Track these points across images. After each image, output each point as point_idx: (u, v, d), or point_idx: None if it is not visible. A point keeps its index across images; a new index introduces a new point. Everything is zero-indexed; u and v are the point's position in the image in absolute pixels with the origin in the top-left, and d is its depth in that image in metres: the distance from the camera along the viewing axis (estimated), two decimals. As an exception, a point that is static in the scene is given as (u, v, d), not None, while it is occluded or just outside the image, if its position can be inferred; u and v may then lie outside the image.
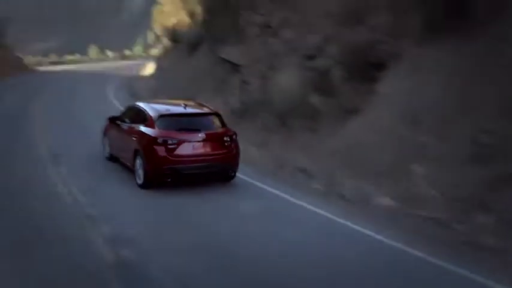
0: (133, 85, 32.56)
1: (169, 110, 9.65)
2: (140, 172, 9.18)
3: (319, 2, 15.60)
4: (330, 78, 13.08)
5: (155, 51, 46.89)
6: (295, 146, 12.21)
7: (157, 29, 40.16)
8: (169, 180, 9.01)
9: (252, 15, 17.54)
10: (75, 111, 20.46)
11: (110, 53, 60.65)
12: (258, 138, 13.95)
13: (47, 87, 28.49)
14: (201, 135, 9.16)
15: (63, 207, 8.11)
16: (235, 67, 17.33)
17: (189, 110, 9.84)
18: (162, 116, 9.31)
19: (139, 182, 9.22)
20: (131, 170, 9.64)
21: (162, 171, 8.89)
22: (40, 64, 47.37)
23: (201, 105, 10.68)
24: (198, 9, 35.32)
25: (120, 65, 47.32)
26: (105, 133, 11.48)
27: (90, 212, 7.81)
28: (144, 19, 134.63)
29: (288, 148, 12.32)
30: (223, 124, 9.86)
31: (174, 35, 34.29)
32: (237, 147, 9.77)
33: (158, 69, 36.60)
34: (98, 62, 53.58)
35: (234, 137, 9.69)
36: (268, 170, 11.15)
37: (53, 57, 53.54)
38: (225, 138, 9.48)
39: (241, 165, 11.06)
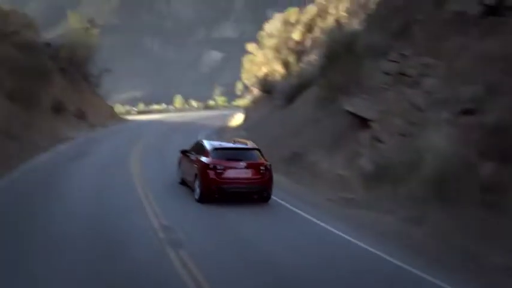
0: (224, 136, 30.87)
1: (221, 145, 12.67)
2: (198, 190, 11.74)
3: (472, 45, 12.79)
4: (510, 138, 10.03)
5: (243, 101, 45.48)
6: (474, 228, 9.12)
7: (247, 78, 38.88)
8: (217, 196, 11.56)
9: (381, 62, 14.96)
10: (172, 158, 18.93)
11: (194, 103, 60.37)
12: (406, 211, 11.00)
13: (142, 135, 27.44)
14: (242, 164, 11.75)
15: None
16: (359, 121, 14.67)
17: (236, 145, 12.86)
18: (215, 149, 12.10)
19: (196, 197, 11.79)
20: (192, 189, 12.23)
21: (212, 189, 11.49)
22: (128, 113, 47.49)
23: (247, 143, 13.24)
24: (292, 59, 33.78)
25: (206, 115, 46.32)
26: (179, 163, 14.12)
27: None
28: (221, 71, 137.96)
29: (461, 230, 9.24)
30: (261, 157, 12.36)
31: (266, 85, 32.62)
32: (270, 174, 12.05)
33: (248, 119, 34.89)
34: (183, 111, 53.23)
35: (268, 166, 12.09)
36: (453, 265, 8.09)
37: (140, 107, 53.95)
38: (261, 167, 11.89)
39: (405, 253, 8.33)
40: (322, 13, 33.05)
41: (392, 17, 17.82)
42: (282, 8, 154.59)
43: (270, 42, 33.73)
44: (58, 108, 29.35)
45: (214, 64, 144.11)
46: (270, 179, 12.03)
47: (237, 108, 55.61)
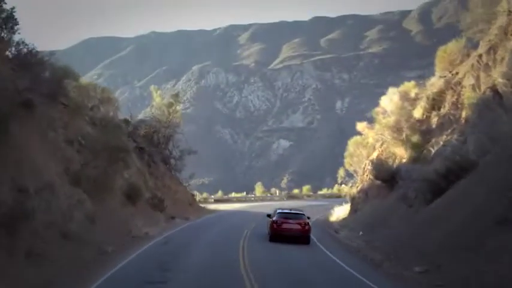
0: (336, 236, 22.94)
1: (283, 210, 20.74)
2: (268, 235, 19.63)
3: None
4: None
5: (345, 190, 37.14)
6: None
7: (350, 164, 31.30)
8: (277, 237, 18.89)
9: None
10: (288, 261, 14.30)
11: (277, 191, 52.90)
12: None
13: (238, 233, 20.30)
14: (292, 221, 19.27)
15: None
16: None
17: (291, 211, 20.76)
18: (279, 213, 19.96)
19: (268, 238, 19.41)
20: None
21: (274, 234, 19.06)
22: (205, 201, 40.92)
23: (299, 210, 21.61)
24: (416, 139, 26.06)
25: (294, 206, 38.27)
26: (267, 222, 20.73)
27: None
28: (288, 159, 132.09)
29: None
30: (305, 217, 19.81)
31: (384, 171, 24.84)
32: (309, 227, 19.32)
33: (357, 214, 26.93)
34: (264, 200, 45.85)
35: (307, 222, 19.45)
36: None
37: (219, 194, 47.39)
38: (303, 223, 19.27)
39: None
40: (454, 86, 25.60)
41: None
42: (351, 99, 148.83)
43: (387, 120, 26.34)
44: (132, 195, 22.94)
45: (283, 152, 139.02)
46: (309, 230, 19.33)
47: (324, 197, 47.72)
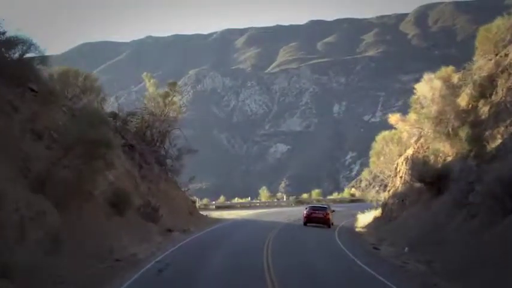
0: (378, 254, 17.71)
1: (312, 204, 35.76)
2: (302, 221, 28.07)
3: None
4: None
5: (370, 195, 31.55)
6: None
7: (377, 164, 26.16)
8: (308, 222, 27.23)
9: None
10: None
11: (284, 196, 47.52)
12: None
13: (259, 255, 14.91)
14: (318, 212, 27.59)
15: None
16: None
17: (318, 205, 33.09)
18: (309, 206, 29.45)
19: (302, 224, 27.60)
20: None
21: (306, 220, 27.35)
22: (206, 207, 35.70)
23: (323, 204, 33.58)
24: (464, 133, 21.01)
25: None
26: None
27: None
28: (286, 163, 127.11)
29: None
30: (328, 208, 28.15)
31: (429, 172, 19.69)
32: (328, 216, 26.84)
33: (391, 222, 21.76)
34: (271, 206, 40.61)
35: (329, 212, 27.28)
36: None
37: (221, 200, 42.10)
38: (325, 213, 27.12)
39: None
40: (509, 68, 20.57)
41: None
42: (348, 102, 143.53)
43: (427, 110, 21.21)
44: (119, 203, 17.60)
45: (280, 156, 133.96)
46: (329, 218, 26.61)
47: (335, 202, 42.55)
